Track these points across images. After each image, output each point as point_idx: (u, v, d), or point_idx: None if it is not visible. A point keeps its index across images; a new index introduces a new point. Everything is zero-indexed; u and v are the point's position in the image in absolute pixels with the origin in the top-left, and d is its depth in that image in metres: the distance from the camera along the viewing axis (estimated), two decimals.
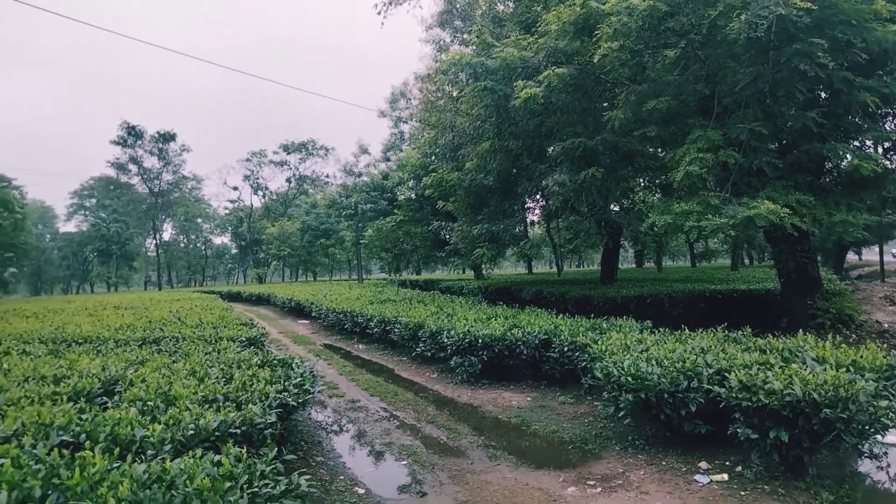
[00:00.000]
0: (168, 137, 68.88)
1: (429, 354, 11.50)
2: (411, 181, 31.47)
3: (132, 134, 67.30)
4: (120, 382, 6.81)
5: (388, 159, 45.49)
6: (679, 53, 10.75)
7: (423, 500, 5.38)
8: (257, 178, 78.64)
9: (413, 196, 32.00)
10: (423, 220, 29.74)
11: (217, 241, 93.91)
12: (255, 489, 3.32)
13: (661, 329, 8.96)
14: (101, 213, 75.68)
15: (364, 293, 22.70)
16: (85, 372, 7.18)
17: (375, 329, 14.52)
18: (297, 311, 24.74)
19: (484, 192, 19.58)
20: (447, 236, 27.17)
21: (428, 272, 63.54)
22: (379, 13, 23.02)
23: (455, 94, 19.65)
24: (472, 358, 10.01)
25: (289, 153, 76.74)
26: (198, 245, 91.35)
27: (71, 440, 4.46)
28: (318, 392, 7.22)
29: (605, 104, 13.78)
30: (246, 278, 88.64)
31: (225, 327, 12.48)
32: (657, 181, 17.03)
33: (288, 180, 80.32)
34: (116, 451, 3.78)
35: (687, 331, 8.34)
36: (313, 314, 20.96)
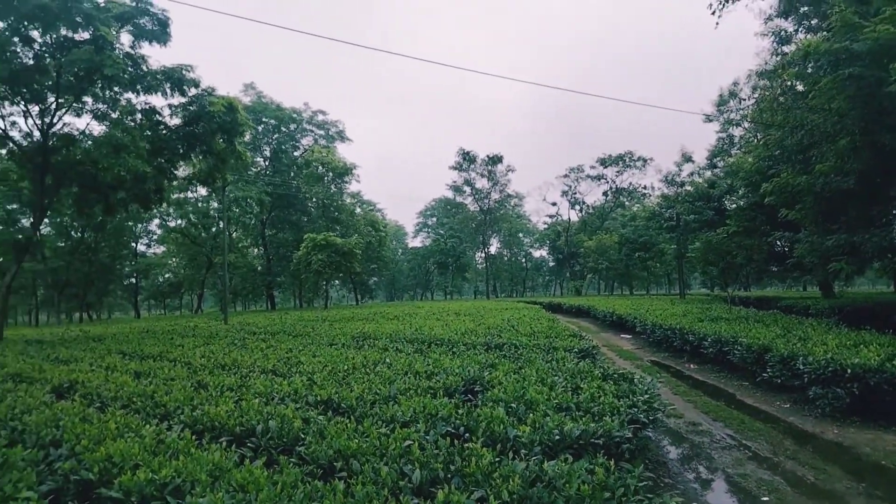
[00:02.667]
0: (496, 160, 75.43)
1: (777, 381, 10.23)
2: (742, 188, 28.70)
3: (466, 159, 75.55)
4: (478, 383, 7.53)
5: (715, 166, 42.31)
6: None
7: None
8: (574, 193, 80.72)
9: (745, 204, 29.10)
10: (759, 231, 26.81)
11: (536, 254, 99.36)
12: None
13: None
14: (440, 229, 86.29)
15: (690, 309, 21.40)
16: (449, 370, 8.10)
17: (710, 349, 13.51)
18: (618, 324, 24.48)
19: (840, 198, 16.75)
20: (785, 248, 23.98)
21: (759, 289, 57.12)
22: (713, 13, 21.63)
23: (801, 87, 17.33)
24: (838, 390, 8.59)
25: (605, 166, 77.03)
26: (519, 258, 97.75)
27: (452, 431, 5.06)
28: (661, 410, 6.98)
29: None
30: (562, 290, 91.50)
31: (556, 337, 12.96)
32: None
33: (605, 193, 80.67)
34: (498, 447, 4.15)
35: None
36: (637, 329, 20.50)
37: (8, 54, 19.82)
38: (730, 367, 13.05)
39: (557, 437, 4.57)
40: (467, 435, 4.81)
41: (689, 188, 41.99)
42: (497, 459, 3.90)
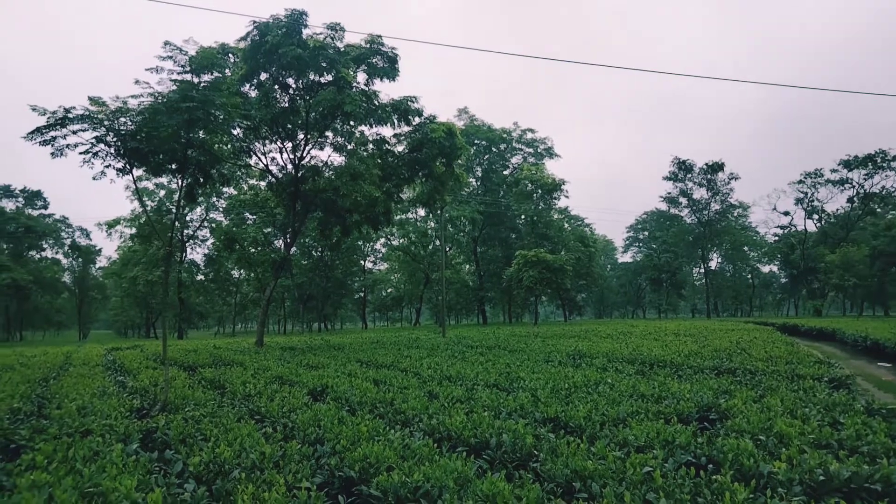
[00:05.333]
0: (716, 167, 69.91)
1: None
2: None
3: (682, 168, 71.14)
4: (713, 410, 7.03)
5: None
6: None
7: None
8: (811, 201, 71.48)
9: None
10: None
11: (765, 269, 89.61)
12: None
13: None
14: (653, 244, 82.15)
15: None
16: (678, 395, 7.68)
17: None
18: (873, 350, 21.06)
19: None
20: None
21: None
22: None
23: None
24: None
25: (850, 169, 66.98)
26: (744, 273, 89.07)
27: (693, 460, 4.79)
28: None
29: None
30: (797, 310, 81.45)
31: (799, 363, 11.62)
32: None
33: (849, 200, 70.06)
34: (752, 483, 3.83)
35: None
36: None
37: (270, 100, 23.32)
38: None
39: (822, 478, 4.08)
40: (710, 466, 4.51)
41: None
42: (751, 496, 3.61)
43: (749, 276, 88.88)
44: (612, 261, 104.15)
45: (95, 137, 9.84)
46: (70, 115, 9.41)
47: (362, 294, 78.95)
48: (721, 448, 4.79)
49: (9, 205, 70.59)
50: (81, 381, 11.15)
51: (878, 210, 68.30)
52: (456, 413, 6.73)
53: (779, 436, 5.31)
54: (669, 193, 75.13)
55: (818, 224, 73.64)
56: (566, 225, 67.63)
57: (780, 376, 9.86)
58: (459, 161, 29.12)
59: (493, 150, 65.95)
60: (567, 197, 69.60)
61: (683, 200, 75.08)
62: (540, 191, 59.79)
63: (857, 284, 56.73)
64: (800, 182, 70.89)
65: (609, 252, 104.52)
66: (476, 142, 62.61)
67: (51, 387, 11.15)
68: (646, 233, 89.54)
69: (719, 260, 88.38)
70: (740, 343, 16.73)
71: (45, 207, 73.75)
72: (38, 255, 74.16)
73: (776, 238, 78.45)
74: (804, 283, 71.18)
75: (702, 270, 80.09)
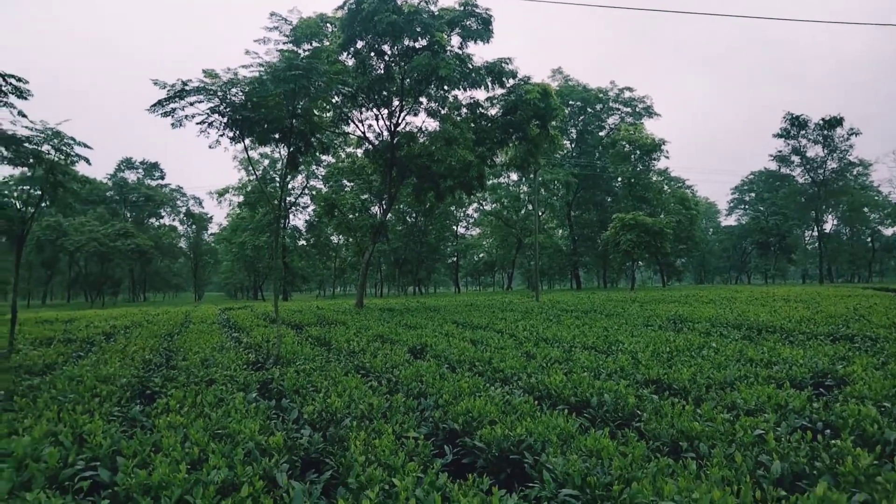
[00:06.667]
0: (834, 123, 64.25)
1: None
2: None
3: (795, 125, 65.99)
4: (829, 376, 6.68)
5: None
6: None
7: None
8: None
9: None
10: None
11: (887, 231, 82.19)
12: None
13: None
14: (760, 206, 77.31)
15: None
16: (790, 360, 7.34)
17: None
18: None
19: None
20: None
21: None
22: None
23: None
24: None
25: None
26: (864, 237, 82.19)
27: (808, 425, 4.60)
28: None
29: None
30: None
31: None
32: None
33: None
34: (878, 448, 3.64)
35: None
36: None
37: (366, 67, 23.72)
38: None
39: None
40: (828, 432, 4.31)
41: None
42: (876, 462, 3.43)
43: (869, 239, 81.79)
44: (714, 224, 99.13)
45: (210, 108, 10.44)
46: (187, 88, 10.02)
47: (455, 259, 79.86)
48: (840, 413, 4.56)
49: (130, 176, 76.69)
50: (202, 337, 12.08)
51: None
52: (555, 373, 6.77)
53: None
54: (780, 152, 70.05)
55: None
56: (666, 187, 64.85)
57: None
58: (554, 123, 28.54)
59: (589, 110, 63.96)
60: (667, 157, 66.81)
61: (796, 159, 69.82)
62: (638, 152, 57.61)
63: None
64: None
65: (712, 215, 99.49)
66: (571, 102, 60.88)
67: (175, 341, 12.18)
68: (752, 194, 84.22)
69: (835, 222, 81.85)
70: (858, 309, 15.60)
71: (163, 178, 79.57)
72: (157, 223, 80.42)
73: None
74: None
75: (815, 234, 74.57)
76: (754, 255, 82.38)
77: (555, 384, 6.15)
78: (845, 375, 6.45)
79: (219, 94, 10.06)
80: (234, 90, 10.11)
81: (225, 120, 10.70)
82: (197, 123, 10.80)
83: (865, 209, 79.39)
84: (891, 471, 3.24)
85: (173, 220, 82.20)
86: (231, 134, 11.08)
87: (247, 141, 11.69)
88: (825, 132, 65.75)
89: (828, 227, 78.86)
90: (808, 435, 3.95)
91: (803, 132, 66.63)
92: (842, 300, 20.65)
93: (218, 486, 3.45)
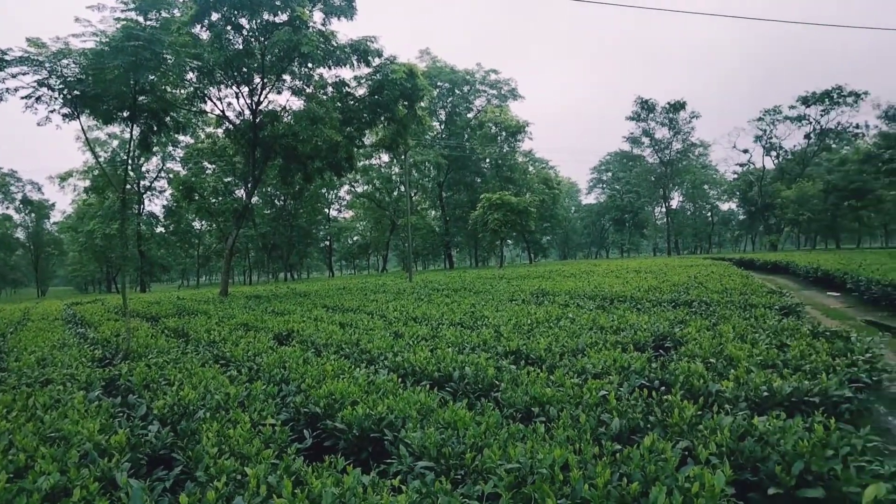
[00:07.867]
0: (678, 107, 69.99)
1: None
2: None
3: (645, 108, 71.07)
4: (668, 338, 7.29)
5: None
6: None
7: None
8: (770, 138, 72.44)
9: None
10: None
11: (724, 206, 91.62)
12: (861, 464, 3.05)
13: None
14: (616, 185, 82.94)
15: None
16: (636, 326, 7.93)
17: None
18: (824, 281, 21.92)
19: None
20: None
21: None
22: None
23: None
24: None
25: (808, 106, 67.73)
26: (704, 212, 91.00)
27: (647, 384, 5.00)
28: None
29: None
30: (755, 245, 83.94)
31: (752, 294, 12.08)
32: None
33: (806, 136, 71.09)
34: (700, 401, 4.03)
35: None
36: (848, 285, 18.29)
37: (223, 42, 22.38)
38: None
39: (765, 394, 4.31)
40: (663, 388, 4.72)
41: None
42: (699, 413, 3.80)
43: (709, 213, 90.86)
44: (575, 203, 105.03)
45: (37, 81, 9.34)
46: (7, 58, 8.89)
47: (328, 242, 78.47)
48: (673, 371, 5.00)
49: None
50: (40, 335, 10.97)
51: (833, 146, 69.85)
52: (420, 350, 6.85)
53: (728, 358, 5.55)
54: (632, 133, 75.32)
55: (776, 161, 75.04)
56: (530, 167, 67.67)
57: (734, 306, 10.22)
58: (422, 103, 28.63)
59: (457, 92, 64.98)
60: (531, 139, 69.51)
61: (646, 140, 75.38)
62: (504, 133, 59.50)
63: (811, 219, 58.55)
64: (759, 119, 71.72)
65: (573, 194, 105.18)
66: (439, 84, 61.51)
67: (8, 341, 10.95)
68: (609, 174, 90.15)
69: (680, 199, 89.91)
70: (697, 277, 17.22)
71: None
72: None
73: (735, 176, 79.81)
74: (761, 220, 73.05)
75: (663, 210, 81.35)
76: (612, 231, 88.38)
77: (419, 361, 6.22)
78: (681, 337, 7.08)
79: (46, 65, 9.01)
80: (65, 61, 9.11)
81: (56, 95, 9.62)
82: (22, 98, 9.63)
83: (706, 186, 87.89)
84: (710, 419, 3.60)
85: (7, 207, 73.46)
86: (64, 110, 10.00)
87: (89, 119, 10.64)
88: (671, 115, 71.47)
89: (674, 203, 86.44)
90: (644, 392, 4.30)
91: (652, 115, 71.99)
92: (685, 270, 22.68)
93: (45, 493, 3.14)
